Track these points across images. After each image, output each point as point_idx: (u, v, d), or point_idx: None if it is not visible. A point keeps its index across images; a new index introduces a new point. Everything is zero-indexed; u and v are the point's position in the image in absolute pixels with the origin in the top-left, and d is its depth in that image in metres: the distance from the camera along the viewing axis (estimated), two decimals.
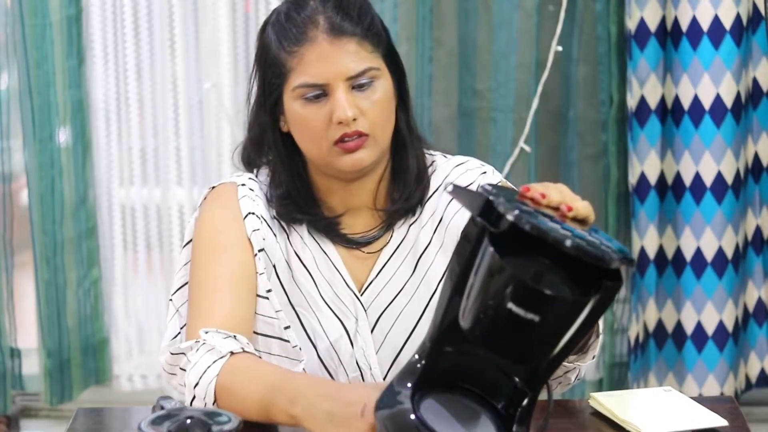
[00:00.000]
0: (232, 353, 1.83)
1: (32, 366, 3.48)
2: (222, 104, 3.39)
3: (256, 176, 2.05)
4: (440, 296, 1.60)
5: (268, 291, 1.97)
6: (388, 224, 2.03)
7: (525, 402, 1.62)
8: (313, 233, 2.02)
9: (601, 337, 1.90)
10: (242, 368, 1.82)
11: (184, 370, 1.84)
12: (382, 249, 2.03)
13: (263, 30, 1.99)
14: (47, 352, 3.39)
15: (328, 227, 2.02)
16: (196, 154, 3.43)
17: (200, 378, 1.82)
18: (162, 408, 1.68)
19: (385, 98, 1.94)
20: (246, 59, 3.38)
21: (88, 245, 3.41)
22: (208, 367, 1.82)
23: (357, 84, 1.92)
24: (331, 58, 1.92)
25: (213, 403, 1.80)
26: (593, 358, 1.92)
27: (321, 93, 1.92)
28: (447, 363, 1.62)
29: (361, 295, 2.01)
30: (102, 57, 3.39)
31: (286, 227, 2.01)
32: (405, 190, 2.01)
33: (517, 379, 1.62)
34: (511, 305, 1.49)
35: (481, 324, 1.54)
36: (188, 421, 1.58)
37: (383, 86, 1.95)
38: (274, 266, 1.99)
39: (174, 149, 3.43)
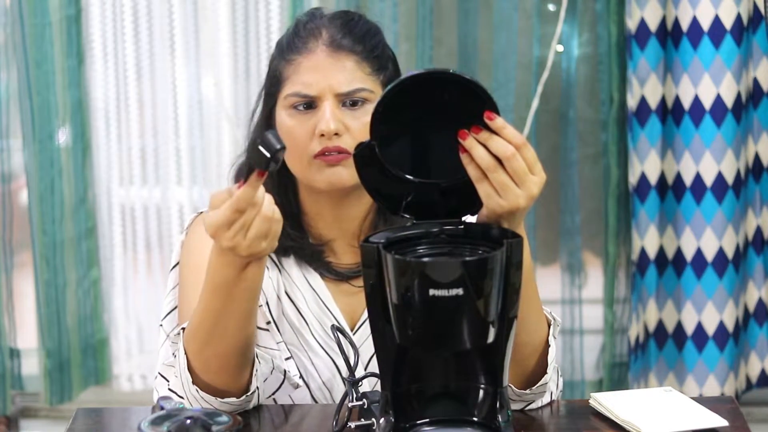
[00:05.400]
0: (183, 329, 1.82)
1: (32, 366, 3.48)
2: (222, 104, 3.39)
3: None
4: (373, 335, 1.65)
5: (267, 323, 1.93)
6: None
7: (496, 400, 1.66)
8: (301, 268, 1.99)
9: (552, 346, 1.88)
10: (189, 326, 1.80)
11: (174, 391, 1.83)
12: None
13: (276, 45, 1.99)
14: (47, 352, 3.39)
15: (313, 256, 1.98)
16: (195, 154, 3.43)
17: (180, 374, 1.81)
18: (162, 408, 1.68)
19: None
20: (246, 59, 3.38)
21: (87, 245, 3.41)
22: (179, 359, 1.80)
23: (348, 101, 1.90)
24: (325, 70, 1.90)
25: (192, 383, 1.79)
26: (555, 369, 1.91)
27: (310, 104, 1.90)
28: (412, 390, 1.67)
29: (355, 332, 1.99)
30: (102, 57, 3.39)
31: (277, 262, 1.98)
32: (391, 222, 1.95)
33: (482, 384, 1.67)
34: (433, 291, 1.54)
35: (416, 326, 1.58)
36: (188, 421, 1.58)
37: None
38: (267, 302, 1.96)
39: (174, 149, 3.43)
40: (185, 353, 1.80)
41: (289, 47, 1.94)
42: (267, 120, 1.97)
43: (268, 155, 1.58)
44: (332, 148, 1.88)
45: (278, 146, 1.58)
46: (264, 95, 1.99)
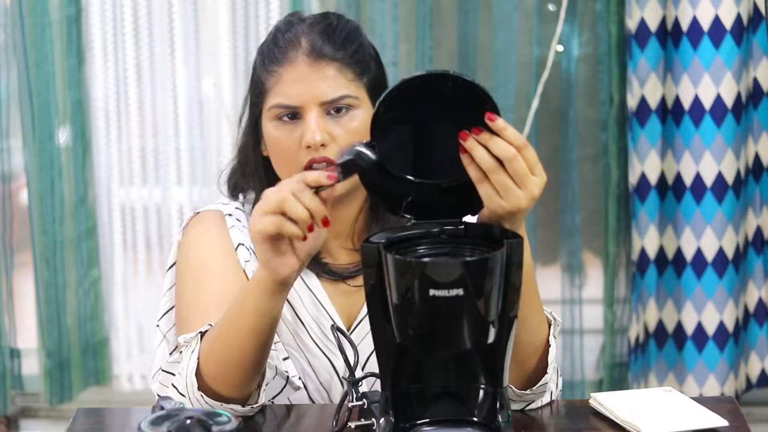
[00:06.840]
0: (201, 334, 1.82)
1: (32, 366, 3.48)
2: (222, 104, 3.39)
3: (242, 205, 2.02)
4: (374, 335, 1.65)
5: None
6: None
7: (497, 400, 1.66)
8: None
9: (553, 346, 1.88)
10: (211, 334, 1.80)
11: (176, 387, 1.84)
12: None
13: (257, 52, 1.98)
14: (47, 352, 3.39)
15: None
16: (195, 154, 3.43)
17: (186, 377, 1.81)
18: (162, 408, 1.68)
19: (361, 128, 1.88)
20: (246, 59, 3.38)
21: (87, 245, 3.41)
22: (188, 362, 1.81)
23: (332, 109, 1.89)
24: (307, 80, 1.89)
25: (198, 389, 1.79)
26: (555, 369, 1.91)
27: (294, 115, 1.90)
28: (412, 390, 1.67)
29: (351, 332, 1.98)
30: (102, 57, 3.39)
31: None
32: (382, 222, 1.96)
33: (482, 384, 1.67)
34: (433, 292, 1.54)
35: (416, 326, 1.58)
36: (188, 421, 1.58)
37: (361, 116, 1.90)
38: None
39: (174, 149, 3.43)
40: (198, 358, 1.80)
41: (270, 58, 1.93)
42: (254, 128, 1.97)
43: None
44: (319, 159, 1.88)
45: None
46: (249, 104, 1.99)
